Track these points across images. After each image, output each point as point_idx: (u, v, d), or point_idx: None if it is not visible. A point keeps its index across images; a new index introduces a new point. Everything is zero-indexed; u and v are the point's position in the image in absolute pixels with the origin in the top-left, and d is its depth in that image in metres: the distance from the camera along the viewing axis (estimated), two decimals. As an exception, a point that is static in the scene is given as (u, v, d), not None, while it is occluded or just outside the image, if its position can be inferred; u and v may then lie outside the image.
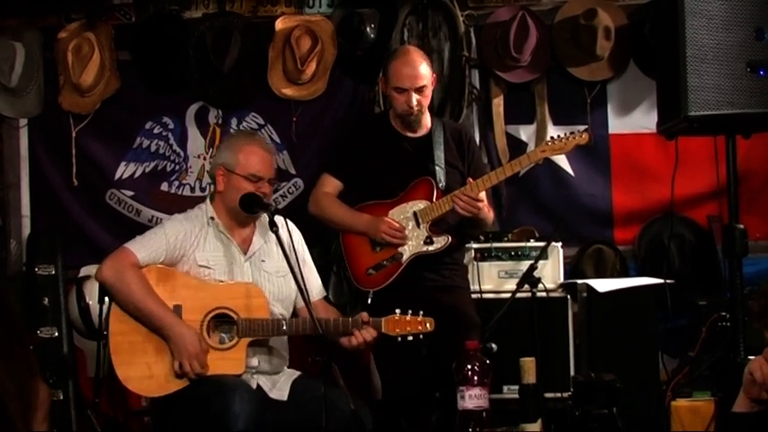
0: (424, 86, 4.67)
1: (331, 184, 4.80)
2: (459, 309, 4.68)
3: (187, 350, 3.86)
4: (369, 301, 4.54)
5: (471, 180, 4.56)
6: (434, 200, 4.60)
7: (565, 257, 5.44)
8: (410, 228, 4.61)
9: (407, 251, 4.61)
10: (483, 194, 4.60)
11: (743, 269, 4.36)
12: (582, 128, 4.85)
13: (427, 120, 4.79)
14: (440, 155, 4.71)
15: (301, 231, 4.31)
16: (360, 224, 4.67)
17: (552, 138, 4.77)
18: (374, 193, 4.70)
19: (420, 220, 4.61)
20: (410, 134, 4.77)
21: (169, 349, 3.90)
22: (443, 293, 4.66)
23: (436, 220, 4.61)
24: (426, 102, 4.73)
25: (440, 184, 4.64)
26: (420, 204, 4.63)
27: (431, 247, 4.61)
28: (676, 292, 5.08)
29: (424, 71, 4.68)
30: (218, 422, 3.70)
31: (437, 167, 4.68)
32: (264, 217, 4.08)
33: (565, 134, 4.64)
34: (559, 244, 5.36)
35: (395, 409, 4.60)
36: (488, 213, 4.69)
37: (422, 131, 4.77)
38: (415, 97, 4.64)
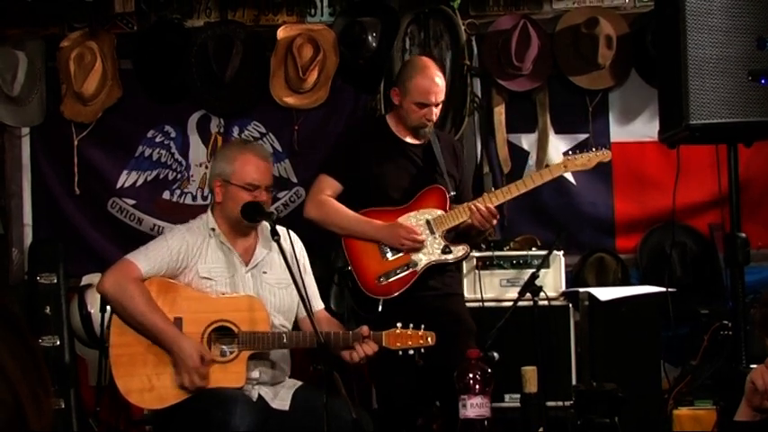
0: (443, 100, 4.74)
1: (331, 187, 4.71)
2: (461, 316, 4.70)
3: (186, 364, 3.85)
4: (379, 309, 4.52)
5: (493, 190, 4.58)
6: (448, 209, 4.60)
7: (566, 266, 5.44)
8: (424, 236, 4.60)
9: (424, 259, 4.59)
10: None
11: (745, 278, 4.35)
12: (604, 150, 4.89)
13: None
14: (443, 164, 4.73)
15: (302, 239, 4.29)
16: (371, 230, 4.61)
17: (573, 153, 4.81)
18: (377, 198, 4.67)
19: (434, 229, 4.60)
20: (410, 141, 4.77)
21: (170, 361, 3.89)
22: (445, 301, 4.68)
23: (450, 230, 4.61)
24: (438, 113, 4.78)
25: (451, 193, 4.65)
26: (435, 213, 4.62)
27: (449, 257, 4.60)
28: (678, 301, 5.08)
29: (443, 85, 4.73)
30: (219, 435, 3.70)
31: (446, 176, 4.69)
32: (267, 227, 4.06)
33: (589, 150, 4.80)
34: (561, 252, 5.36)
35: (392, 419, 4.59)
36: None
37: (423, 140, 4.78)
38: (434, 111, 4.68)
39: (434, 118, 4.71)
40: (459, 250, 4.61)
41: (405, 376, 4.45)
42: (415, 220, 4.62)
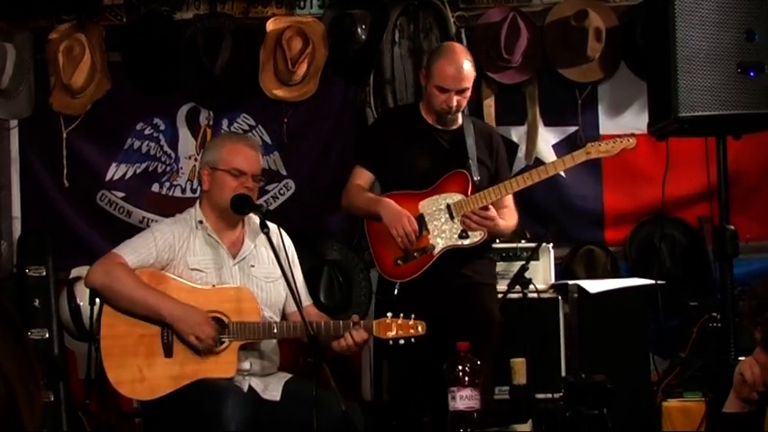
0: (466, 88, 4.68)
1: (362, 176, 4.77)
2: (485, 307, 4.68)
3: (187, 324, 3.85)
4: (395, 292, 4.52)
5: (528, 173, 4.65)
6: (469, 194, 4.60)
7: (556, 258, 5.45)
8: (443, 220, 4.59)
9: (440, 244, 4.58)
10: (493, 210, 4.61)
11: (733, 270, 4.37)
12: (632, 134, 4.90)
13: (458, 115, 4.79)
14: (473, 150, 4.71)
15: (290, 234, 4.28)
16: (379, 208, 4.60)
17: (597, 140, 4.81)
18: (406, 182, 4.68)
19: (454, 213, 4.60)
20: (441, 127, 4.76)
21: (161, 351, 3.89)
22: (473, 290, 4.66)
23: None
24: (465, 101, 4.74)
25: (475, 178, 4.64)
26: (455, 197, 4.61)
27: (465, 242, 4.59)
28: (667, 294, 5.09)
29: (468, 73, 4.68)
30: (210, 425, 3.69)
31: (471, 162, 4.68)
32: (254, 221, 4.06)
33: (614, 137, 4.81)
34: (550, 245, 5.36)
35: (397, 412, 4.60)
36: (508, 223, 4.74)
37: (453, 126, 4.77)
38: (455, 98, 4.64)
39: (454, 105, 4.65)
40: (476, 235, 4.59)
41: (412, 370, 4.46)
42: (435, 203, 4.62)
